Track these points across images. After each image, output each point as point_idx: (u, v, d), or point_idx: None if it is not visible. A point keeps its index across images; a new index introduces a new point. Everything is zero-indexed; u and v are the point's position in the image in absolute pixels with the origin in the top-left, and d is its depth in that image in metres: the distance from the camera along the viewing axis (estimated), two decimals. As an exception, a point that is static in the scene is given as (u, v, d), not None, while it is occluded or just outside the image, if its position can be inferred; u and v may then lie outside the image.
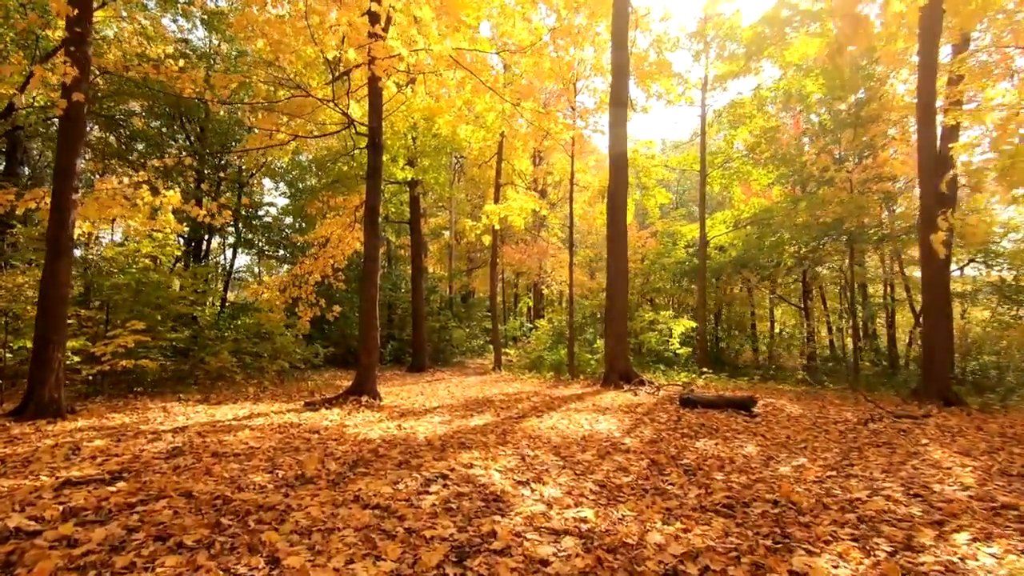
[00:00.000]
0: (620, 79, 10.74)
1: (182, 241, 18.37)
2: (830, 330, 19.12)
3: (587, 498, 3.63)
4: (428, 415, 7.18)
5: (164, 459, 4.29)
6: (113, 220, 11.49)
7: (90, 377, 7.92)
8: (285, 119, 11.08)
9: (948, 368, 8.30)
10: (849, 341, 22.20)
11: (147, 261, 10.13)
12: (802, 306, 18.81)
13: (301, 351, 12.04)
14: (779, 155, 14.11)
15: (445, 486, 3.78)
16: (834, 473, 4.21)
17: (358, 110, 10.10)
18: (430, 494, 3.57)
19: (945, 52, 11.09)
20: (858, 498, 3.55)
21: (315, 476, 3.97)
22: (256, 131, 10.55)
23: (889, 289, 18.13)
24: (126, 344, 7.81)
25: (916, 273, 18.98)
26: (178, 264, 15.41)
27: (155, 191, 6.91)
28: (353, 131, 8.60)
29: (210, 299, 18.83)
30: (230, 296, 22.19)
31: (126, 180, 6.71)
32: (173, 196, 7.08)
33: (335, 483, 3.81)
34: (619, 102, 10.74)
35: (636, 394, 8.92)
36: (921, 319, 13.30)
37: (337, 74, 8.84)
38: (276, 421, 6.23)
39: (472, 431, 5.93)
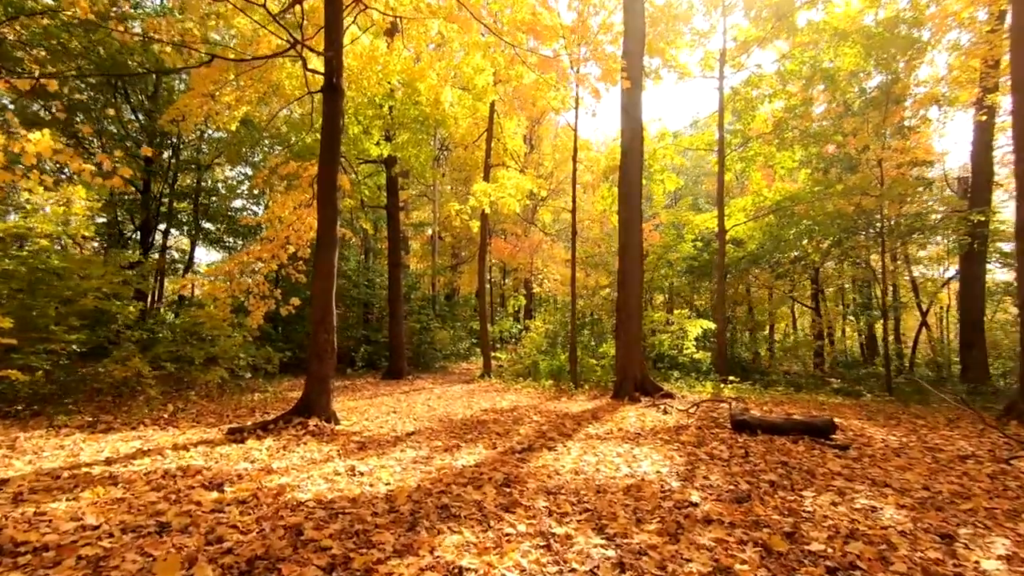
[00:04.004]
0: (634, 24, 8.99)
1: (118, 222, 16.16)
2: (831, 333, 17.67)
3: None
4: (398, 447, 5.25)
5: None
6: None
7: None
8: (233, 75, 9.08)
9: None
10: (854, 344, 20.92)
11: (45, 242, 8.00)
12: (814, 306, 17.35)
13: (248, 355, 9.95)
14: (810, 132, 12.47)
15: (409, 637, 1.89)
16: (1096, 580, 2.43)
17: (319, 64, 8.14)
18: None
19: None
20: None
21: (155, 611, 2.04)
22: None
23: (892, 291, 16.71)
24: (-15, 349, 5.73)
25: (917, 273, 17.92)
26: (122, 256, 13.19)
27: (9, 132, 4.87)
28: (303, 69, 6.62)
29: (160, 295, 16.58)
30: (196, 294, 19.90)
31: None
32: (41, 139, 5.04)
33: (184, 636, 1.89)
34: (634, 47, 8.99)
35: (665, 411, 7.09)
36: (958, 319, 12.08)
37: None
38: (165, 465, 4.23)
39: (459, 478, 4.03)
